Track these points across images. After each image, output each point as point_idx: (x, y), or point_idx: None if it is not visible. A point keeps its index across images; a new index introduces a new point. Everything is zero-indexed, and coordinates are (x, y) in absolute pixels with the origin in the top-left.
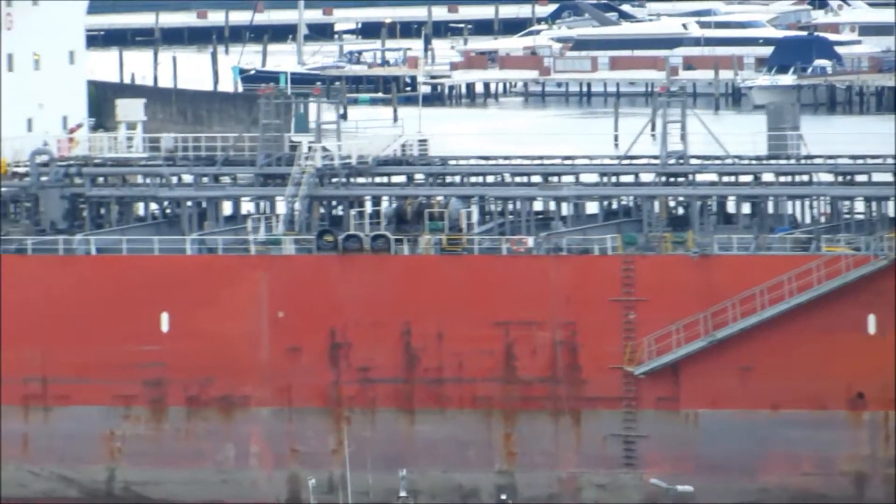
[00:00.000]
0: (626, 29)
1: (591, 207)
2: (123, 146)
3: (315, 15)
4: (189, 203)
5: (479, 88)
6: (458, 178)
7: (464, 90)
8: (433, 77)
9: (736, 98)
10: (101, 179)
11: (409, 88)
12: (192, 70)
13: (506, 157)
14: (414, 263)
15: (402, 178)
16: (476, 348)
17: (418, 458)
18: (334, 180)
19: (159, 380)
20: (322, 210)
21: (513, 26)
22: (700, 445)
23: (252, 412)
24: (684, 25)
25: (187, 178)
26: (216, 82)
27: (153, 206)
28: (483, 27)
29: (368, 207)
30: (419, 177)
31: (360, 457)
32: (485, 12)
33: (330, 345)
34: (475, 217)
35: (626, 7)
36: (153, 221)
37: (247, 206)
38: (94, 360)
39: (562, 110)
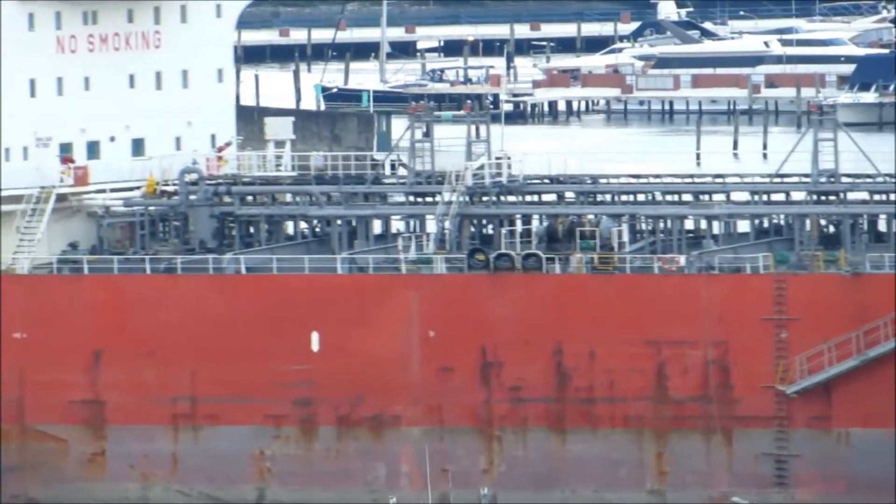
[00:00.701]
0: (708, 47)
1: (743, 226)
2: (272, 164)
3: (398, 33)
4: (339, 222)
5: (562, 106)
6: (608, 197)
7: (546, 108)
8: (515, 95)
9: None
10: (249, 198)
11: (491, 106)
12: (274, 88)
13: (656, 176)
14: (565, 282)
15: (552, 197)
16: (627, 367)
17: (569, 478)
18: (485, 199)
19: (309, 399)
20: (472, 228)
21: (595, 44)
22: (852, 464)
23: (402, 431)
24: (766, 43)
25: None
26: (298, 100)
27: (302, 224)
28: (565, 45)
29: (519, 226)
30: (570, 195)
31: (511, 476)
32: (567, 30)
33: (481, 364)
34: (626, 235)
35: (708, 25)
36: (303, 240)
37: (396, 225)
38: (243, 379)
39: (644, 128)
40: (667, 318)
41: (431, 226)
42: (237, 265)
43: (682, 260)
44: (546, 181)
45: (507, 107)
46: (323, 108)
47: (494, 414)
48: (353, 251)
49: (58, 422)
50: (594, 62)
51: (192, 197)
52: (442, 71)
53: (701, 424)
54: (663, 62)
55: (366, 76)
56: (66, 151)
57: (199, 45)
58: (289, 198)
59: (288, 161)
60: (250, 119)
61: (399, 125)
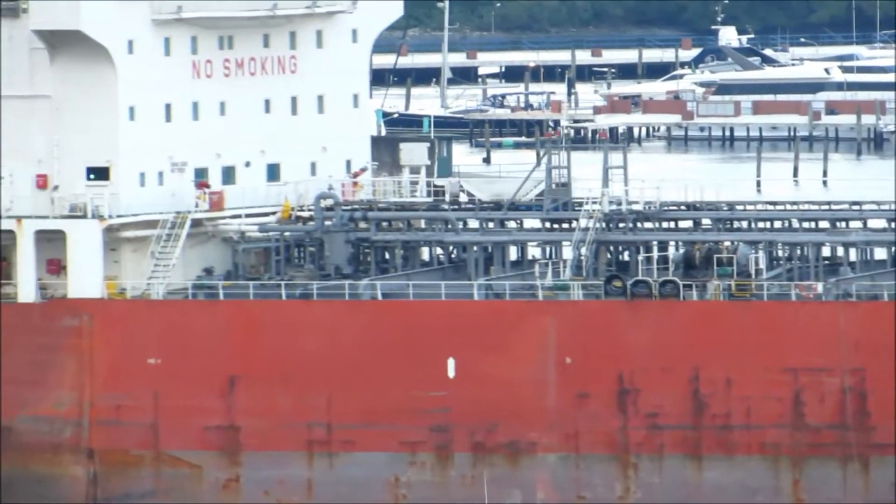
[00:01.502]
0: (768, 73)
1: (880, 253)
2: (407, 190)
3: (459, 58)
4: (475, 247)
5: (622, 132)
6: (745, 223)
7: (607, 134)
8: (576, 121)
9: (878, 143)
10: (384, 223)
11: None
12: None
13: (792, 203)
14: (702, 309)
15: (688, 223)
16: (764, 394)
17: None
18: (621, 225)
19: (445, 425)
20: (608, 255)
21: (656, 70)
22: None
23: (538, 458)
24: (826, 70)
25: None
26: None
27: (437, 250)
28: (626, 71)
29: (655, 252)
30: (706, 222)
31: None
32: (628, 56)
33: (618, 390)
34: (763, 262)
35: (768, 52)
36: (438, 266)
37: (532, 251)
38: (379, 405)
39: (704, 154)
40: (804, 345)
41: (567, 252)
42: (373, 291)
43: (820, 287)
44: (682, 208)
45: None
46: (384, 133)
47: (631, 441)
48: (490, 277)
49: (192, 447)
50: (655, 88)
51: (328, 222)
52: (503, 97)
53: (838, 452)
54: (724, 89)
55: (427, 102)
56: (201, 177)
57: (334, 71)
58: (423, 223)
59: (423, 187)
60: None
61: (459, 150)
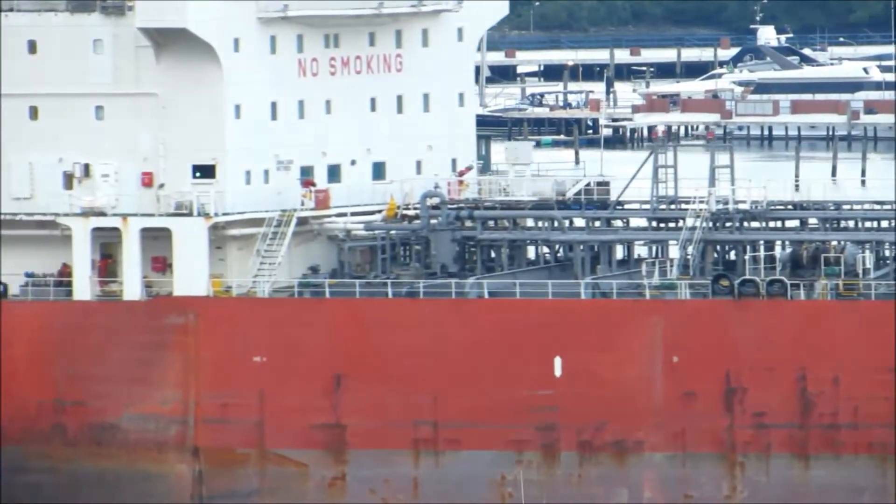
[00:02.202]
0: (807, 73)
1: None
2: (513, 189)
3: (497, 57)
4: (581, 246)
5: (661, 131)
6: (852, 223)
7: (645, 133)
8: (615, 120)
9: None
10: (490, 222)
11: (590, 131)
12: None
13: None
14: (810, 308)
15: (795, 223)
16: (872, 394)
17: None
18: (728, 225)
19: (552, 424)
20: (715, 254)
21: (695, 70)
22: None
23: (645, 457)
24: (865, 70)
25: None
26: None
27: (543, 248)
28: (665, 70)
29: (762, 252)
30: (813, 221)
31: (754, 503)
32: (667, 55)
33: (724, 390)
34: (870, 262)
35: (807, 51)
36: (545, 265)
37: (638, 250)
38: (485, 404)
39: (743, 154)
40: None
41: (673, 251)
42: (480, 290)
43: None
44: (789, 207)
45: (607, 131)
46: None
47: (738, 440)
48: (596, 276)
49: (298, 446)
50: (694, 87)
51: (434, 221)
52: (542, 95)
53: None
54: (763, 88)
55: None
56: (307, 175)
57: (440, 69)
58: (529, 222)
59: (528, 185)
60: None
61: (497, 150)
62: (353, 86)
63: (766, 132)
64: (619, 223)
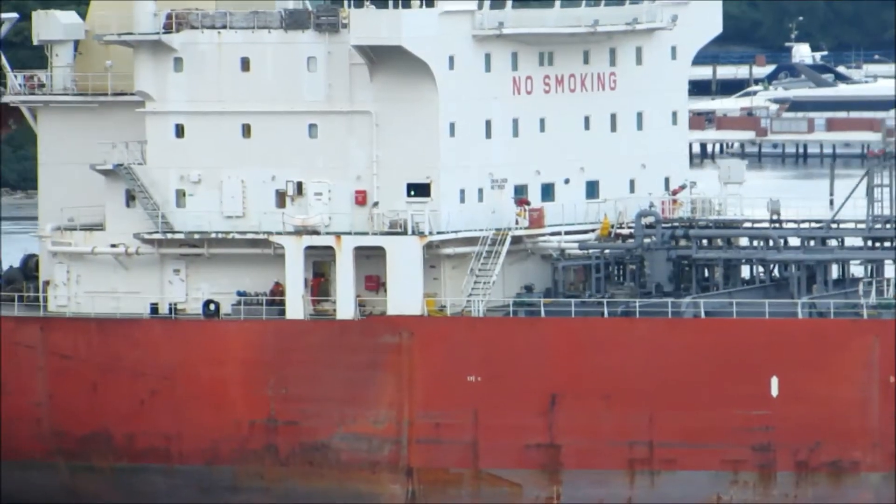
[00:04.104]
0: (842, 90)
1: None
2: (726, 207)
3: None
4: (796, 266)
5: (696, 148)
6: None
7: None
8: None
9: None
10: (704, 241)
11: None
12: None
13: None
14: None
15: None
16: None
17: None
18: None
19: (768, 444)
20: None
21: (730, 87)
22: None
23: (861, 478)
24: None
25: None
26: None
27: (757, 267)
28: (700, 87)
29: None
30: None
31: None
32: (702, 73)
33: None
34: None
35: (842, 69)
36: (760, 285)
37: (853, 269)
38: (702, 424)
39: (778, 171)
40: None
41: (889, 270)
42: (696, 309)
43: None
44: None
45: None
46: None
47: None
48: (813, 296)
49: (512, 466)
50: (729, 105)
51: (648, 240)
52: None
53: None
54: (797, 105)
55: None
56: (520, 193)
57: (653, 87)
58: (742, 241)
59: (741, 204)
60: None
61: None
62: (567, 104)
63: (800, 150)
64: (833, 242)
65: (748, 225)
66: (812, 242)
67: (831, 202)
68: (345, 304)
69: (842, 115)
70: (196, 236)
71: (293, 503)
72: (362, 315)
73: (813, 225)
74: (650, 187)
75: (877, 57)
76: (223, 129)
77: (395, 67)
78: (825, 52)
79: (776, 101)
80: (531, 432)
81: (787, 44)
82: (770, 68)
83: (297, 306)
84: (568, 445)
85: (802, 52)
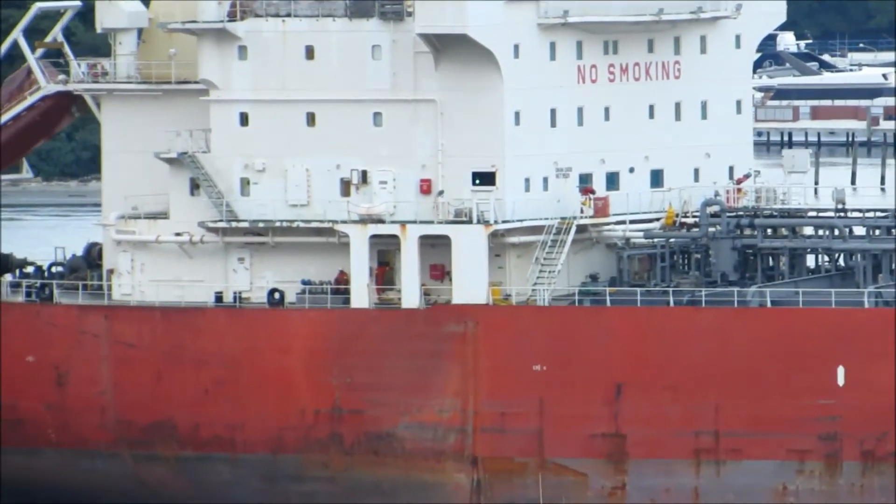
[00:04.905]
0: (826, 79)
1: None
2: (791, 196)
3: None
4: (862, 255)
5: None
6: None
7: None
8: None
9: None
10: (769, 230)
11: None
12: None
13: None
14: None
15: None
16: None
17: None
18: None
19: (834, 434)
20: None
21: None
22: None
23: None
24: (884, 76)
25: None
26: None
27: (822, 257)
28: None
29: None
30: None
31: None
32: None
33: None
34: None
35: (827, 57)
36: (825, 274)
37: None
38: (767, 413)
39: (762, 159)
40: None
41: None
42: (762, 298)
43: None
44: None
45: None
46: None
47: None
48: (880, 285)
49: (577, 455)
50: None
51: (713, 229)
52: None
53: None
54: (782, 93)
55: None
56: (585, 182)
57: (718, 76)
58: (807, 230)
59: (810, 193)
60: None
61: None
62: (632, 93)
63: (785, 138)
64: None
65: (813, 214)
66: (877, 232)
67: (815, 191)
68: (410, 293)
69: (826, 103)
70: (260, 225)
71: (358, 492)
72: (427, 304)
73: (878, 214)
74: (714, 176)
75: (861, 45)
76: (287, 118)
77: (459, 56)
78: (810, 41)
79: (761, 89)
80: (596, 422)
81: (771, 31)
82: (755, 56)
83: (361, 295)
84: (633, 435)
85: (787, 41)
